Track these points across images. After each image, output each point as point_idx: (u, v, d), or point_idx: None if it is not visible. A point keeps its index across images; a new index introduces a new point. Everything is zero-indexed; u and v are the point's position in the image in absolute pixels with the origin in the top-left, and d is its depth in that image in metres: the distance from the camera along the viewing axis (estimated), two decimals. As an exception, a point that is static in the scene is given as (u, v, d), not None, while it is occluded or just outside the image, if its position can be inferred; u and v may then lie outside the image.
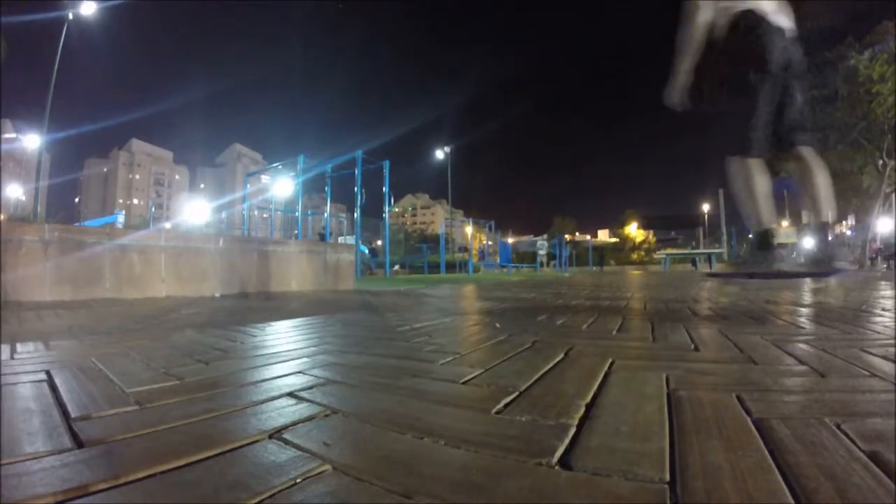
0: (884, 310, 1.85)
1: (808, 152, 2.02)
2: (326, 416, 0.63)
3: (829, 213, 1.98)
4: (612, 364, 0.91)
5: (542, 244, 22.37)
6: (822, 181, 2.00)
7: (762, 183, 2.09)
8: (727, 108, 2.15)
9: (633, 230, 54.04)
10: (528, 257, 24.63)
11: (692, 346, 1.10)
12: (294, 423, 0.59)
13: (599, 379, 0.79)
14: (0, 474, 0.44)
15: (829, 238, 2.01)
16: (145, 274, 3.36)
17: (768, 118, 2.06)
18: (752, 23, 2.07)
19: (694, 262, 15.73)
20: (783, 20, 2.12)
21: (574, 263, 26.03)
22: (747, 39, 2.08)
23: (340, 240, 16.81)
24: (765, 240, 2.14)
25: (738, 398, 0.66)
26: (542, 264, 20.51)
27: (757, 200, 2.10)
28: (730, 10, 2.11)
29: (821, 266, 2.01)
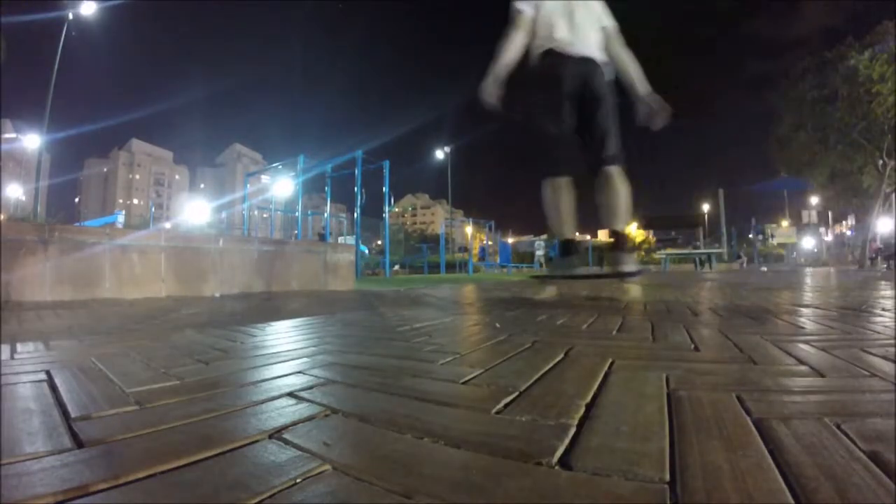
0: (884, 310, 1.85)
1: (614, 171, 2.32)
2: (326, 416, 0.63)
3: (621, 225, 2.34)
4: (612, 364, 0.91)
5: (539, 244, 22.36)
6: (621, 198, 2.31)
7: (566, 200, 2.39)
8: (540, 132, 2.43)
9: (633, 230, 54.00)
10: (528, 257, 24.58)
11: (692, 345, 1.10)
12: (294, 423, 0.59)
13: (599, 379, 0.79)
14: (0, 474, 0.44)
15: (624, 244, 2.36)
16: (145, 274, 3.36)
17: (575, 142, 2.37)
18: (555, 58, 2.37)
19: (700, 262, 15.69)
20: (597, 53, 2.42)
21: (574, 263, 25.91)
22: (548, 72, 2.39)
23: (340, 240, 16.81)
24: (566, 248, 2.50)
25: (738, 398, 0.66)
26: (540, 264, 20.50)
27: (561, 215, 2.41)
28: (542, 46, 2.42)
29: (615, 268, 2.36)
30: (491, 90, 2.39)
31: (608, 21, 2.53)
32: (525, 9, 2.48)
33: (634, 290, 2.50)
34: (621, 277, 2.39)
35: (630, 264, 2.34)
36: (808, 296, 2.77)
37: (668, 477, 0.42)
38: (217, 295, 3.63)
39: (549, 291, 2.61)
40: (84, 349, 1.17)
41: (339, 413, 0.64)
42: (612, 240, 2.45)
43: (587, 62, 2.37)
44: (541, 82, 2.43)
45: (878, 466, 0.43)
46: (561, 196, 2.39)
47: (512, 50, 2.45)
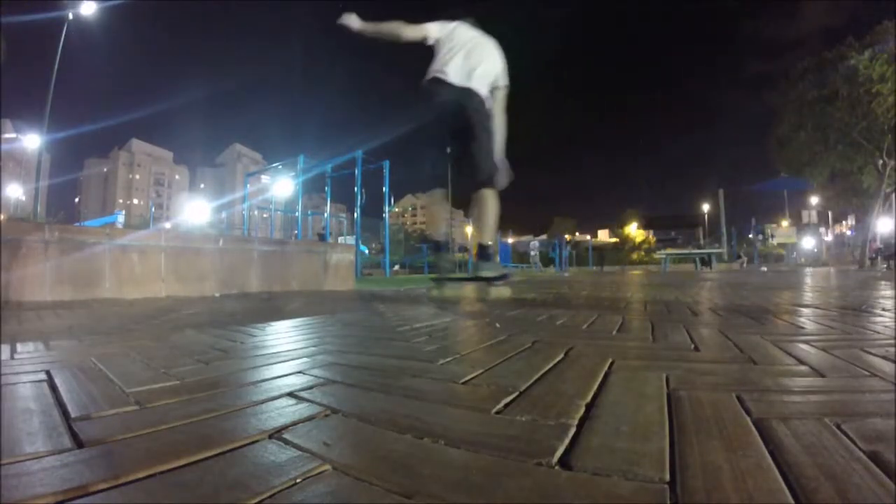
0: (884, 310, 1.85)
1: (486, 192, 2.64)
2: (326, 416, 0.63)
3: (485, 238, 2.69)
4: (612, 364, 0.91)
5: (534, 244, 22.25)
6: (487, 216, 2.64)
7: (441, 209, 2.85)
8: (421, 150, 2.78)
9: (633, 230, 53.90)
10: (528, 257, 24.57)
11: (692, 345, 1.10)
12: (294, 423, 0.59)
13: (599, 379, 0.79)
14: (0, 474, 0.44)
15: (486, 253, 2.70)
16: (145, 274, 3.36)
17: (447, 162, 2.71)
18: (437, 85, 2.61)
19: (700, 262, 15.71)
20: (479, 87, 2.63)
21: (574, 264, 26.00)
22: (428, 97, 2.64)
23: (340, 240, 16.81)
24: (436, 247, 2.89)
25: (738, 398, 0.66)
26: (537, 264, 20.47)
27: (436, 220, 2.89)
28: (433, 72, 2.66)
29: (478, 273, 2.72)
30: (354, 27, 2.68)
31: (502, 82, 2.81)
32: (431, 28, 2.73)
33: (503, 291, 2.75)
34: (486, 281, 2.72)
35: (490, 271, 2.70)
36: (808, 296, 2.77)
37: (668, 477, 0.42)
38: (217, 295, 3.63)
39: (448, 290, 2.92)
40: (84, 349, 1.17)
41: (339, 413, 0.64)
42: (477, 249, 2.79)
43: (465, 92, 2.59)
44: (422, 105, 2.71)
45: (878, 466, 0.43)
46: (439, 205, 2.80)
47: (391, 26, 2.72)
